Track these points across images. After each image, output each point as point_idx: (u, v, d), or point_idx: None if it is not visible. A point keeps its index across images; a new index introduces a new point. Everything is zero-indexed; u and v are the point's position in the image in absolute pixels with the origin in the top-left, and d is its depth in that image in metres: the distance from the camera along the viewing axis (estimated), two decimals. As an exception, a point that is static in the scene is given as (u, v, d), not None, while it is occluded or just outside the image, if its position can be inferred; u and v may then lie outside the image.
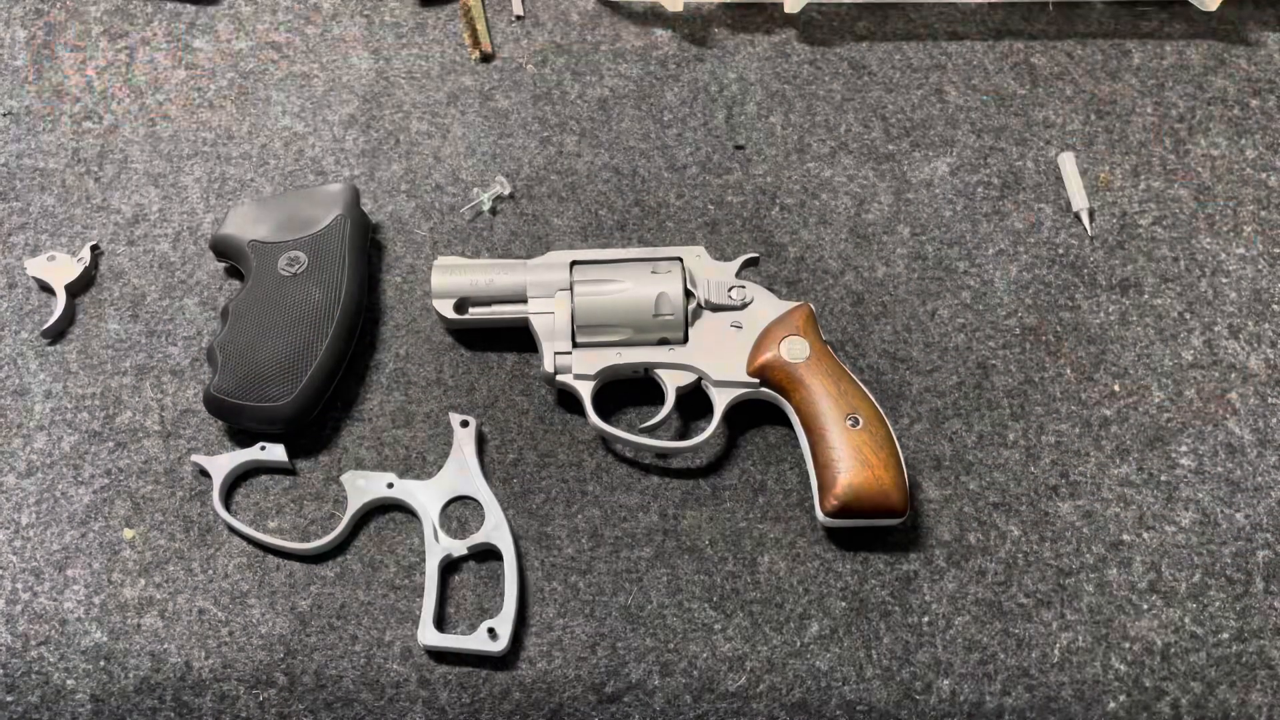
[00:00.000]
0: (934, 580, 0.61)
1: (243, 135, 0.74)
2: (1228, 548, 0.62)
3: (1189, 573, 0.61)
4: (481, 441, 0.64)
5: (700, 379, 0.63)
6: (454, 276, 0.65)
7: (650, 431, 0.64)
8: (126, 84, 0.76)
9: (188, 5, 0.79)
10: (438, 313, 0.65)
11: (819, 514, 0.60)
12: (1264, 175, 0.74)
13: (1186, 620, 0.60)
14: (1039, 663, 0.59)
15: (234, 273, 0.69)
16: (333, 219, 0.67)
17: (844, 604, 0.60)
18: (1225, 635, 0.60)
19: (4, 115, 0.75)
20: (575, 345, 0.63)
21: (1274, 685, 0.59)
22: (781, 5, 0.78)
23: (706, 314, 0.63)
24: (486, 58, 0.77)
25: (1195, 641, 0.60)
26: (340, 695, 0.58)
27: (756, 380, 0.62)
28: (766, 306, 0.64)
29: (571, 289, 0.63)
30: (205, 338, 0.67)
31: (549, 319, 0.63)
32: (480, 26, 0.78)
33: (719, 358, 0.63)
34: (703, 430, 0.63)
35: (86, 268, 0.69)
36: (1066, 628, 0.60)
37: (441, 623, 0.60)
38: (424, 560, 0.61)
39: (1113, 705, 0.58)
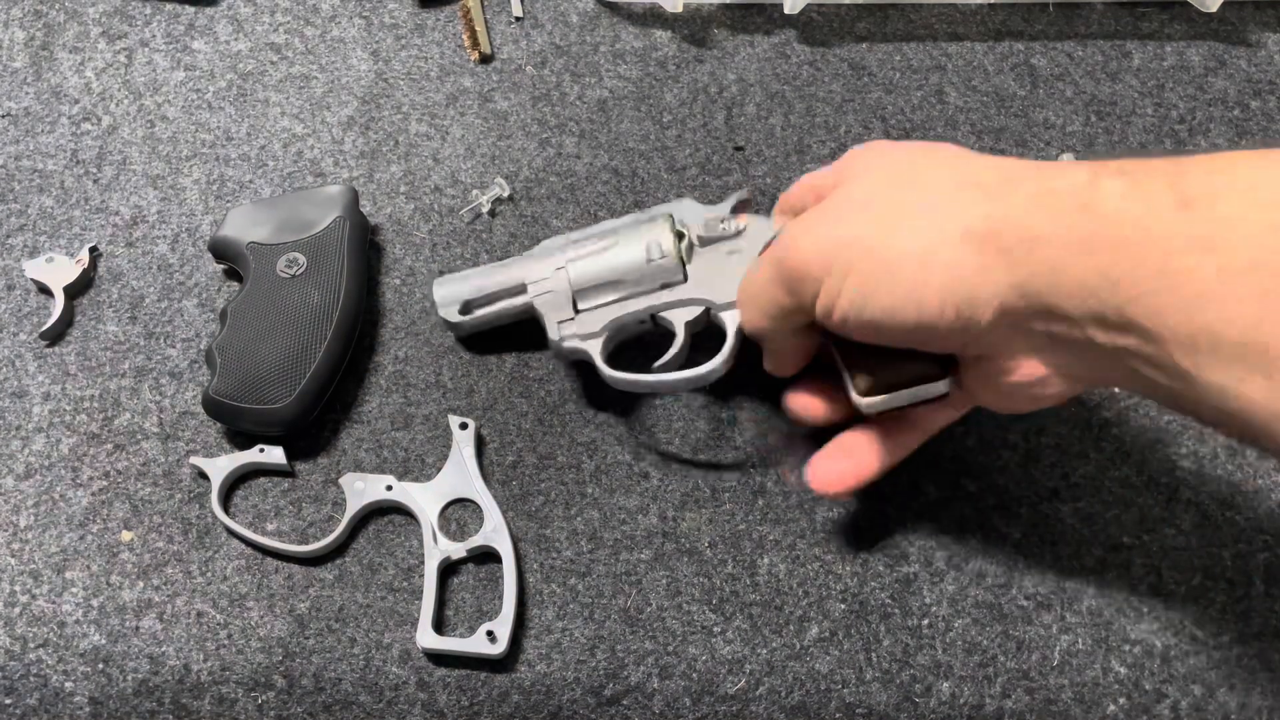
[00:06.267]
0: (934, 583, 0.61)
1: (241, 137, 0.74)
2: (1228, 550, 0.62)
3: (1189, 575, 0.61)
4: (480, 444, 0.64)
5: (708, 309, 0.62)
6: (455, 286, 0.65)
7: (665, 370, 0.62)
8: (125, 85, 0.76)
9: (186, 6, 0.79)
10: (445, 320, 0.65)
11: (856, 400, 0.55)
12: (1264, 176, 0.74)
13: (1187, 623, 0.60)
14: (1039, 665, 0.59)
15: (233, 274, 0.69)
16: (331, 221, 0.67)
17: (844, 606, 0.60)
18: (1226, 638, 0.60)
19: (2, 117, 0.75)
20: (577, 312, 0.62)
21: (1274, 688, 0.59)
22: (781, 6, 0.78)
23: (701, 250, 0.62)
24: (486, 59, 0.77)
25: (1195, 644, 0.60)
26: (339, 698, 0.58)
27: None
28: (761, 228, 0.62)
29: (566, 265, 0.63)
30: (204, 340, 0.67)
31: (549, 295, 0.63)
32: (479, 28, 0.78)
33: (721, 283, 0.61)
34: (719, 354, 0.61)
35: (85, 270, 0.69)
36: (1066, 630, 0.60)
37: (440, 625, 0.60)
38: (423, 563, 0.61)
39: (1112, 708, 0.58)
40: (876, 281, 0.48)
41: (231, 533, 0.62)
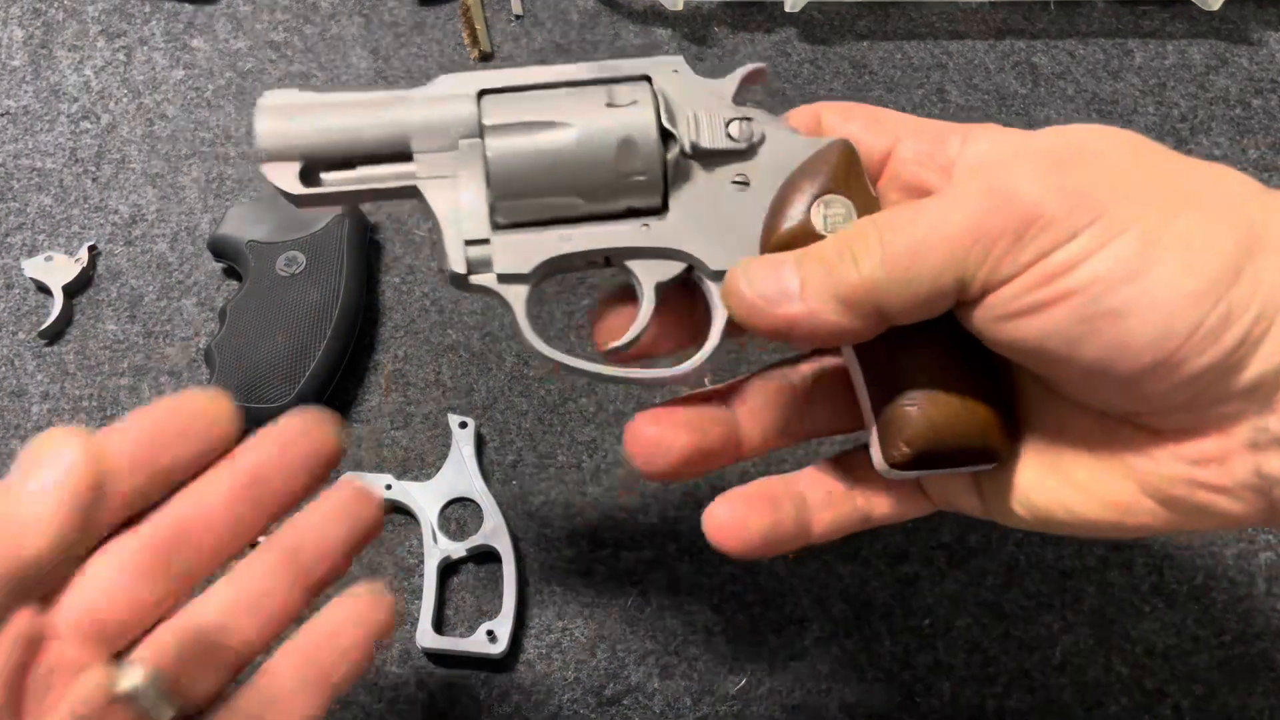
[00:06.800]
0: (935, 582, 0.61)
1: (241, 135, 0.74)
2: (1230, 549, 0.62)
3: (1191, 574, 0.61)
4: (480, 443, 0.64)
5: (690, 269, 0.41)
6: (294, 122, 0.41)
7: (620, 355, 0.43)
8: (124, 83, 0.76)
9: (186, 4, 0.79)
10: (274, 186, 0.41)
11: (878, 463, 0.40)
12: (1266, 175, 0.73)
13: (1189, 622, 0.60)
14: (1040, 665, 0.59)
15: (232, 273, 0.69)
16: (331, 219, 0.67)
17: (844, 606, 0.60)
18: (1227, 637, 0.60)
19: (1, 115, 0.74)
20: (496, 227, 0.41)
21: (1276, 688, 0.59)
22: (782, 4, 0.78)
23: (694, 166, 0.41)
24: (485, 57, 0.77)
25: (1197, 644, 0.59)
26: (339, 697, 0.58)
27: None
28: (784, 147, 0.41)
29: (483, 135, 0.40)
30: (203, 338, 0.67)
31: (449, 186, 0.41)
32: (479, 25, 0.77)
33: (717, 234, 0.41)
34: (703, 347, 0.42)
35: (84, 268, 0.68)
36: (1068, 630, 0.60)
37: (440, 625, 0.59)
38: (422, 562, 0.61)
39: (1114, 708, 0.58)
40: (1166, 248, 0.33)
41: (231, 532, 0.62)
